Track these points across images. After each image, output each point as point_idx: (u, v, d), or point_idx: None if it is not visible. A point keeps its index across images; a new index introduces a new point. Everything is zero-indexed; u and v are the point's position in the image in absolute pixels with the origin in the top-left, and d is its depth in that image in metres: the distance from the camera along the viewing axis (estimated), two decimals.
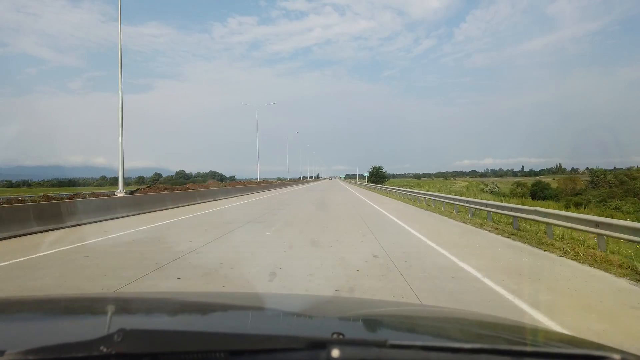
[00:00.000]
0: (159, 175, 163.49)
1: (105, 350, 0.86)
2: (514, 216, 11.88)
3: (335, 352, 0.84)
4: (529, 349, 1.08)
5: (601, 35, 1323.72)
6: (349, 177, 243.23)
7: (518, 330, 1.50)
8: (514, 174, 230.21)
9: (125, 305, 1.80)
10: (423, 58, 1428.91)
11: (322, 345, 0.87)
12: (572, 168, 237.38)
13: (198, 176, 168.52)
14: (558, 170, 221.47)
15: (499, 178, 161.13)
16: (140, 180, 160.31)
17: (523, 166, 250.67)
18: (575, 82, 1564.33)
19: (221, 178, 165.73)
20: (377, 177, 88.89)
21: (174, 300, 2.05)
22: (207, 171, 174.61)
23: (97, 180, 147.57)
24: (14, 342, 1.13)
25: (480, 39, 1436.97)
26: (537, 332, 1.54)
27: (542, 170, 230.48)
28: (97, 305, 1.79)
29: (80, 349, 0.89)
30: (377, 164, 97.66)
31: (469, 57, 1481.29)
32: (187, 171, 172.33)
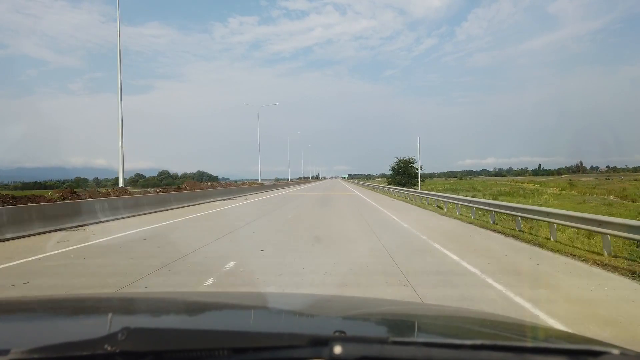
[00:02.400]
0: (141, 176, 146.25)
1: (109, 348, 0.88)
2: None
3: (337, 349, 0.86)
4: (529, 344, 1.11)
5: (603, 34, 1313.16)
6: (353, 177, 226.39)
7: (518, 328, 1.53)
8: (535, 172, 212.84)
9: (128, 304, 1.83)
10: (424, 57, 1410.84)
11: (324, 342, 0.89)
12: (592, 166, 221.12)
13: (184, 177, 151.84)
14: (579, 169, 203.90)
15: (519, 177, 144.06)
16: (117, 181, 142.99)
17: (540, 164, 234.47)
18: (577, 80, 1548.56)
19: (210, 178, 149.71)
20: (407, 176, 55.68)
21: (177, 299, 2.08)
22: (195, 171, 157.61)
23: (70, 182, 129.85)
24: (19, 341, 1.15)
25: (481, 38, 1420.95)
26: (537, 329, 1.56)
27: (560, 168, 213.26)
28: (100, 305, 1.83)
29: (85, 348, 0.91)
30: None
31: (471, 56, 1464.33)
32: (182, 172, 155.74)
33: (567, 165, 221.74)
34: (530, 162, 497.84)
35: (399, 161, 58.90)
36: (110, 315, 1.62)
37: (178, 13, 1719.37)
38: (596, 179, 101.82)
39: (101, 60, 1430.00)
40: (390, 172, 60.43)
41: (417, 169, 52.75)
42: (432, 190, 38.29)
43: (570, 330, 3.87)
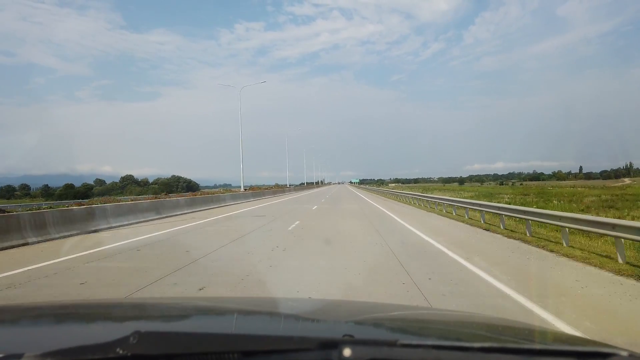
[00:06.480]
0: (101, 182, 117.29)
1: (121, 352, 0.93)
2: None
3: (347, 352, 0.91)
4: (537, 347, 1.15)
5: (613, 36, 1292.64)
6: (364, 183, 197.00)
7: (527, 332, 1.56)
8: (575, 176, 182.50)
9: (139, 309, 1.89)
10: (431, 62, 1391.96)
11: (333, 345, 0.94)
12: (637, 168, 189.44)
13: (155, 183, 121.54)
14: (629, 171, 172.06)
15: (560, 182, 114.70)
16: (68, 187, 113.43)
17: (581, 167, 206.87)
18: (586, 84, 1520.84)
19: (189, 185, 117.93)
20: None
21: (187, 304, 2.15)
22: (170, 176, 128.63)
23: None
24: (31, 345, 1.20)
25: (489, 42, 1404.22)
26: (545, 333, 1.61)
27: (603, 171, 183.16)
28: (112, 310, 1.88)
29: (97, 351, 0.96)
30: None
31: (478, 60, 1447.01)
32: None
33: (581, 170, 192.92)
34: (540, 166, 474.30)
35: None
36: (121, 319, 1.68)
37: (184, 19, 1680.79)
38: None
39: (108, 68, 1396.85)
40: None
41: None
42: None
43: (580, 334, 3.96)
